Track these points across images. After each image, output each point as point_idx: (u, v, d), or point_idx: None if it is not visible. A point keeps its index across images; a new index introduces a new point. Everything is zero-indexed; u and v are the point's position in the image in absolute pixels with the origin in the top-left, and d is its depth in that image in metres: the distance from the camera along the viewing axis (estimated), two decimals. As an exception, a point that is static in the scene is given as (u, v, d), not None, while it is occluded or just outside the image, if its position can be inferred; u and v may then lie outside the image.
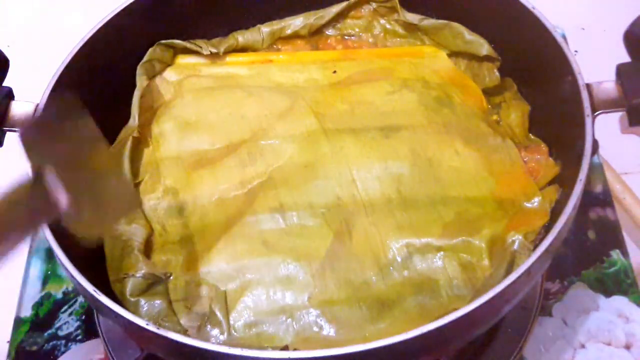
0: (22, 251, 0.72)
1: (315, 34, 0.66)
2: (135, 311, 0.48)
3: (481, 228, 0.52)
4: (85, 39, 0.57)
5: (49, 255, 0.71)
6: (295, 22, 0.66)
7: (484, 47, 0.61)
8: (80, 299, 0.68)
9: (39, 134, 0.37)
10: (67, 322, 0.67)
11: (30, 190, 0.30)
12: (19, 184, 0.32)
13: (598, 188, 0.71)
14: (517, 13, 0.56)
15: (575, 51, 0.75)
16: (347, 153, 0.55)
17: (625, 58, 0.52)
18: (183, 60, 0.64)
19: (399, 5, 0.64)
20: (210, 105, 0.59)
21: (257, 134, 0.57)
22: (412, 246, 0.51)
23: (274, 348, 0.48)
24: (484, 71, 0.62)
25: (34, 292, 0.69)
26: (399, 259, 0.51)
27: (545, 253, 0.45)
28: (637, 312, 0.63)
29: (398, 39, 0.66)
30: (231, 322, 0.49)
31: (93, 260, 0.51)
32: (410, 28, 0.65)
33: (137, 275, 0.49)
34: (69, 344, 0.65)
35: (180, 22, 0.63)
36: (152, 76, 0.62)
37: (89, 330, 0.66)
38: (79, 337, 0.66)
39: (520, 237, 0.50)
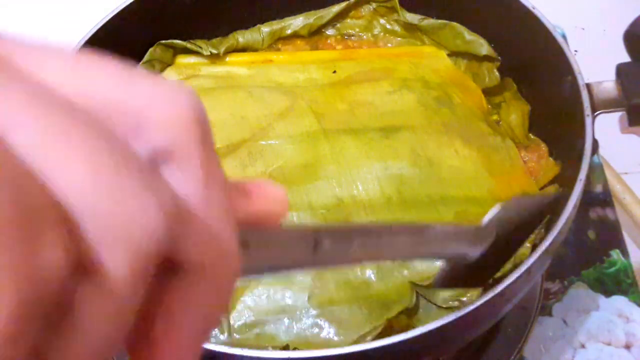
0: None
1: (315, 34, 0.66)
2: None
3: (481, 228, 0.52)
4: (85, 39, 0.57)
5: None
6: (295, 22, 0.66)
7: (484, 47, 0.61)
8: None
9: None
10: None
11: None
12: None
13: (598, 188, 0.71)
14: (517, 13, 0.56)
15: (575, 51, 0.75)
16: (347, 153, 0.55)
17: (625, 58, 0.52)
18: (183, 60, 0.64)
19: (398, 5, 0.64)
20: (211, 106, 0.59)
21: (257, 134, 0.57)
22: (412, 246, 0.51)
23: (274, 348, 0.48)
24: (484, 71, 0.62)
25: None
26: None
27: (545, 253, 0.45)
28: (637, 312, 0.63)
29: (398, 39, 0.66)
30: (231, 322, 0.49)
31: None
32: (410, 28, 0.65)
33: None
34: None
35: (180, 22, 0.63)
36: (152, 76, 0.62)
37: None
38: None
39: (520, 237, 0.50)
